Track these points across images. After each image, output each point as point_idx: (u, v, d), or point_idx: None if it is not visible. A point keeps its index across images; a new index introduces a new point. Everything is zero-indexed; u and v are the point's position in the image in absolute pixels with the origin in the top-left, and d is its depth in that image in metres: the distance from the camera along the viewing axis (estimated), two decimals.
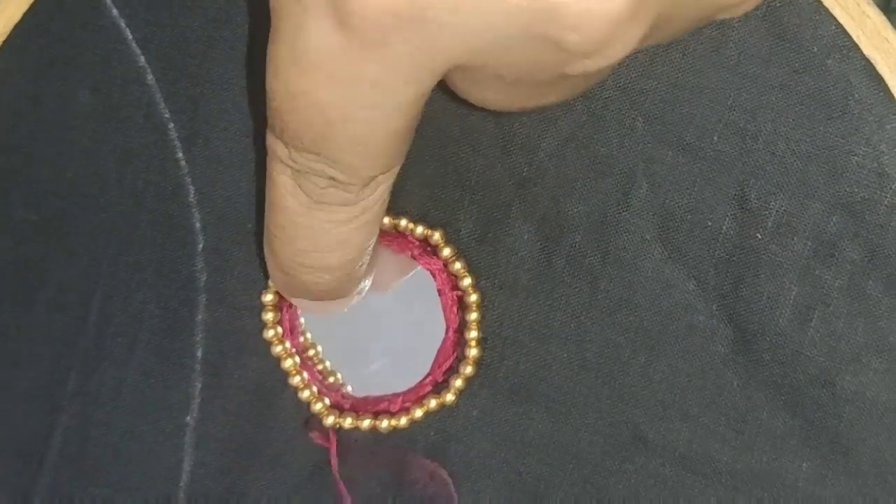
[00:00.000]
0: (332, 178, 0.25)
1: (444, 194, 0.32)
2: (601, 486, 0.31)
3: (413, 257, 0.33)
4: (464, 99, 0.26)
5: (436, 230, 0.32)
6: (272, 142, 0.26)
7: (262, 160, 0.32)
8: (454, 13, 0.22)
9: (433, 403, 0.32)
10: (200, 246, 0.33)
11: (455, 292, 0.33)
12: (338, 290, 0.29)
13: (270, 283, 0.32)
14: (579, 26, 0.22)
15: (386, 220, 0.32)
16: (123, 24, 0.33)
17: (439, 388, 0.33)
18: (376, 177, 0.26)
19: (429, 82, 0.24)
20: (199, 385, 0.33)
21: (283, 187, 0.26)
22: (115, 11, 0.33)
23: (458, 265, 0.32)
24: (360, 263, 0.28)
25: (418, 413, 0.32)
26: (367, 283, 0.31)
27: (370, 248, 0.29)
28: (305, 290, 0.29)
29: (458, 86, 0.26)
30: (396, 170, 0.27)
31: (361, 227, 0.27)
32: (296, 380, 0.33)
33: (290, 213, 0.27)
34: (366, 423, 0.32)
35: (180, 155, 0.33)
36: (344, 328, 0.34)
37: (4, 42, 0.33)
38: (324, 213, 0.26)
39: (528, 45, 0.23)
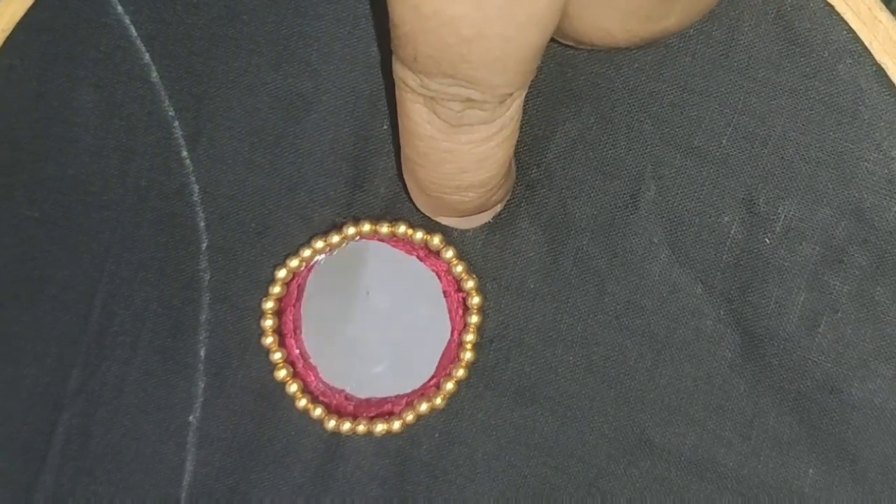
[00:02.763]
0: (469, 100, 0.25)
1: None
2: (606, 490, 0.31)
3: (419, 259, 0.33)
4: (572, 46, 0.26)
5: (434, 234, 0.32)
6: (402, 73, 0.26)
7: (266, 159, 0.32)
8: None
9: (424, 407, 0.32)
10: (204, 245, 0.33)
11: (460, 294, 0.32)
12: (483, 205, 0.30)
13: (271, 289, 0.32)
14: None
15: (384, 227, 0.32)
16: (128, 21, 0.33)
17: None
18: (512, 93, 0.26)
19: None
20: (202, 384, 0.33)
21: (419, 116, 0.26)
22: (119, 8, 0.32)
23: (460, 268, 0.32)
24: (501, 176, 0.29)
25: (410, 417, 0.32)
26: (507, 194, 0.31)
27: (510, 160, 0.29)
28: (452, 209, 0.30)
29: (575, 12, 0.25)
30: (528, 84, 0.26)
31: (501, 143, 0.27)
32: (292, 388, 0.32)
33: (430, 140, 0.27)
34: (361, 428, 0.32)
35: (184, 153, 0.33)
36: (348, 329, 0.33)
37: (7, 38, 0.33)
38: (464, 135, 0.26)
39: None
